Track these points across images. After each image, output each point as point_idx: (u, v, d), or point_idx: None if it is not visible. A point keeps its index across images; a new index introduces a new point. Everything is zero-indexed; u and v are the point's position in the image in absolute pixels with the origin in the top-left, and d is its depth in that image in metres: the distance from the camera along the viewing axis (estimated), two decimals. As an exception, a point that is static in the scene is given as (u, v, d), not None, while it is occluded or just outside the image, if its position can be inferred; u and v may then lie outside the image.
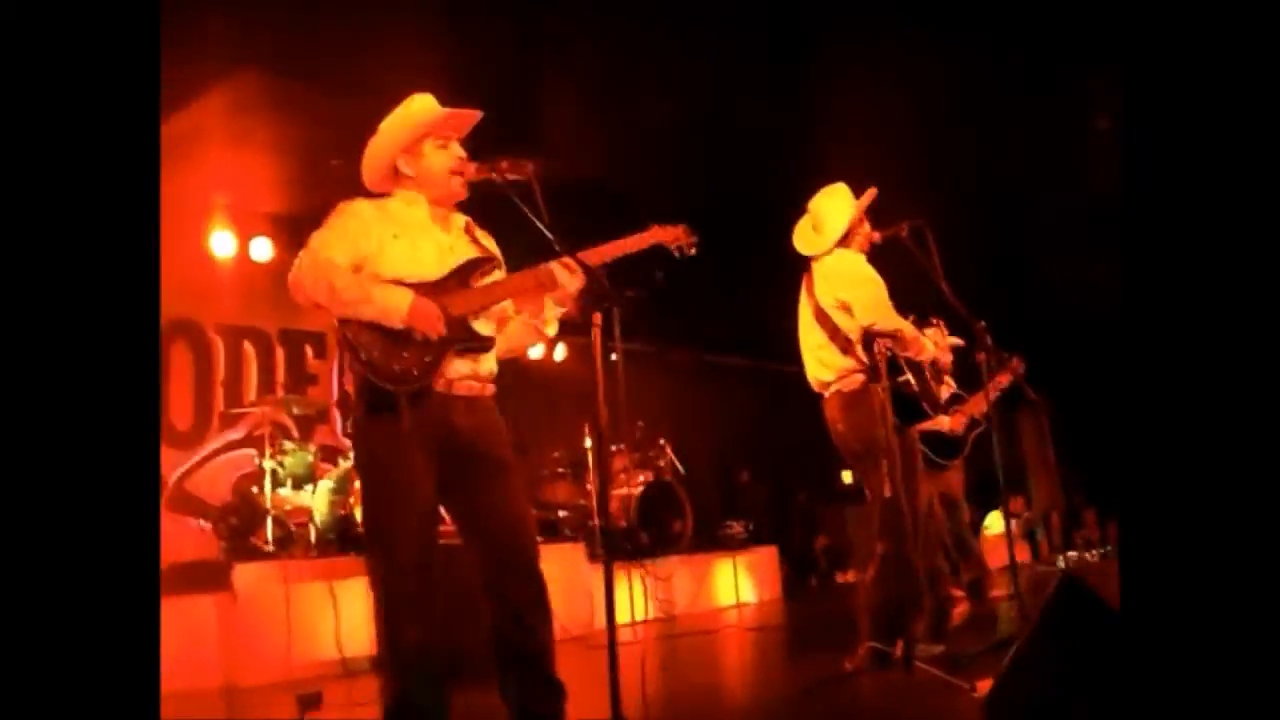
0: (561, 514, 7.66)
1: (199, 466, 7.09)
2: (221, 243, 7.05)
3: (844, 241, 4.25)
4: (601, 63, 5.42)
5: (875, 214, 4.34)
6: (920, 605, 3.91)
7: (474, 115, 3.02)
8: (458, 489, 2.90)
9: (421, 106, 3.00)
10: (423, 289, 2.81)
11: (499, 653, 2.87)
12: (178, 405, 7.10)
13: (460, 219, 3.07)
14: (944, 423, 5.73)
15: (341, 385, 8.08)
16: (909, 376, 3.94)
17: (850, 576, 9.62)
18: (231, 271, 7.15)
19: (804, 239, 4.35)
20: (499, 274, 3.00)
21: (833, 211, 4.27)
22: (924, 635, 4.03)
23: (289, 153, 6.33)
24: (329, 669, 5.02)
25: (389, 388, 2.73)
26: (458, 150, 2.99)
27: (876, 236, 4.29)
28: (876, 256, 4.34)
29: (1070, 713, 2.30)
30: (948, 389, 5.58)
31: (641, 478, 7.91)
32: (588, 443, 7.98)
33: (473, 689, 2.91)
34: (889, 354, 3.81)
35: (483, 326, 2.92)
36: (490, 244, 3.11)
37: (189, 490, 6.96)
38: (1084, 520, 11.83)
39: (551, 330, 3.09)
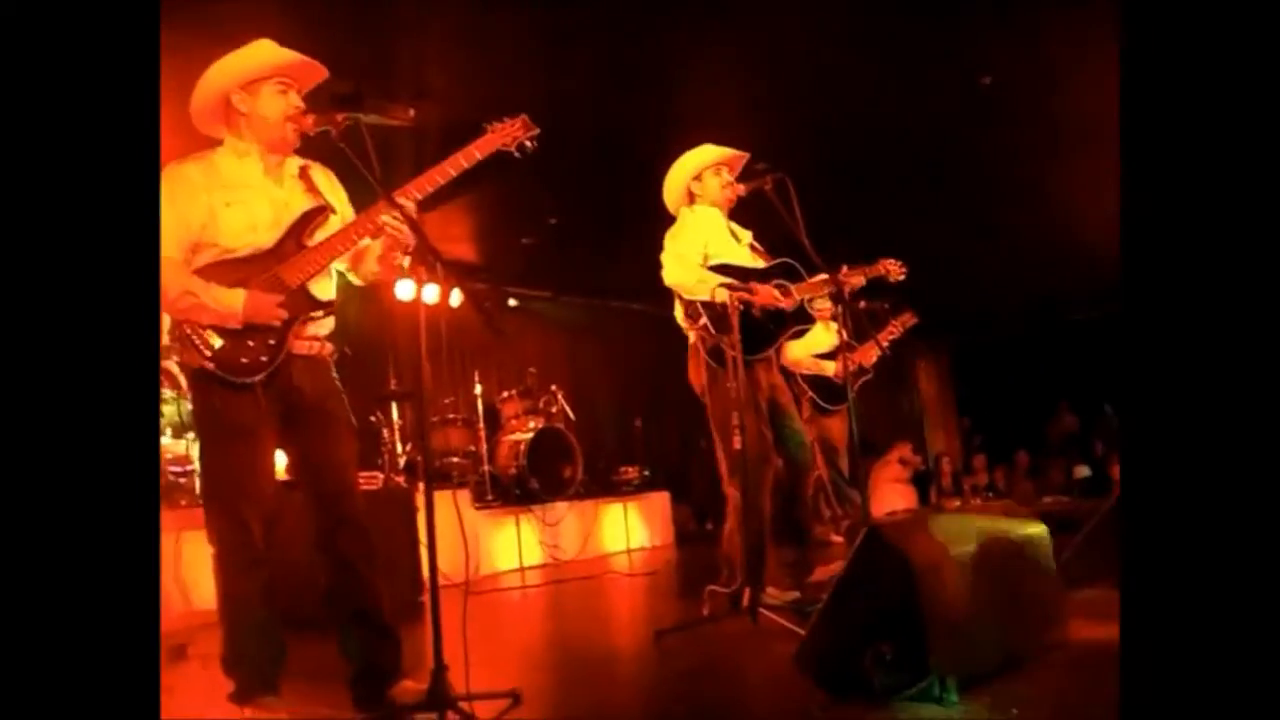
0: (453, 460, 7.63)
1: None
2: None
3: (692, 199, 4.34)
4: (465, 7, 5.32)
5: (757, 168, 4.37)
6: (763, 554, 3.99)
7: (319, 69, 2.97)
8: (294, 441, 2.93)
9: (267, 48, 2.93)
10: (257, 261, 2.79)
11: (334, 606, 2.89)
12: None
13: (294, 164, 3.01)
14: (827, 368, 5.84)
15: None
16: (705, 322, 3.99)
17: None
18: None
19: (666, 199, 4.45)
20: (334, 221, 2.96)
21: (670, 175, 4.44)
22: (778, 582, 4.13)
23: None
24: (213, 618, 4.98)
25: (238, 380, 2.73)
26: (296, 100, 2.93)
27: (741, 189, 4.33)
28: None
29: (872, 658, 2.39)
30: (835, 336, 5.70)
31: (532, 424, 7.93)
32: (478, 389, 7.97)
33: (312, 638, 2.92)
34: (738, 305, 3.86)
35: (322, 289, 2.91)
36: (327, 182, 3.05)
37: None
38: (974, 466, 12.18)
39: (405, 263, 2.99)
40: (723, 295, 3.93)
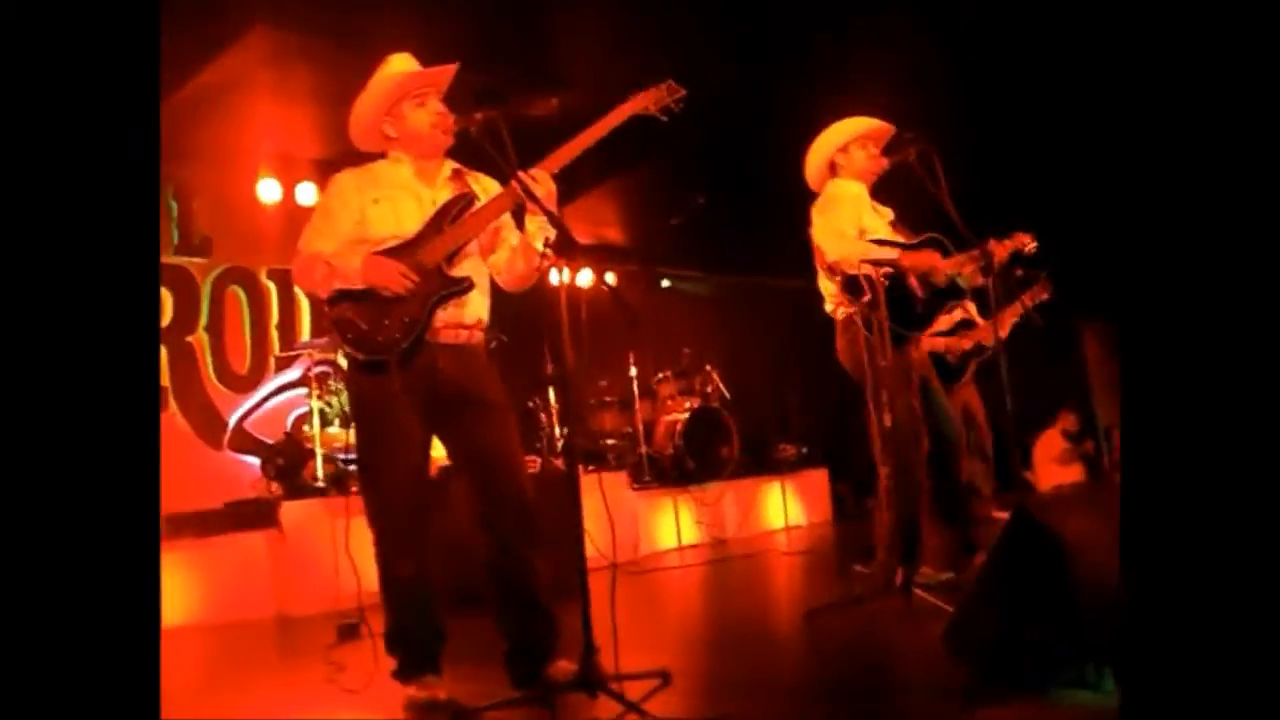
0: (608, 442, 7.77)
1: (257, 408, 7.36)
2: (268, 190, 7.20)
3: (835, 172, 4.24)
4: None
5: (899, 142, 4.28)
6: (918, 532, 3.92)
7: (448, 70, 3.06)
8: (449, 430, 3.03)
9: (395, 68, 3.05)
10: (401, 248, 2.89)
11: (492, 584, 2.99)
12: (234, 350, 7.35)
13: (448, 167, 3.10)
14: (939, 345, 5.65)
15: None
16: (870, 297, 3.88)
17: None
18: (279, 217, 7.29)
19: (807, 174, 4.37)
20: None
21: (815, 146, 4.33)
22: (935, 561, 4.05)
23: (324, 101, 6.42)
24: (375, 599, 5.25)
25: (379, 357, 2.84)
26: (436, 106, 3.03)
27: (885, 164, 4.24)
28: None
29: (1022, 642, 2.33)
30: (960, 313, 5.51)
31: (688, 404, 7.99)
32: (633, 371, 8.06)
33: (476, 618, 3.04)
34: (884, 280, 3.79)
35: (461, 269, 2.98)
36: (482, 185, 3.12)
37: (248, 431, 7.25)
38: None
39: (539, 245, 3.01)
40: (876, 267, 3.84)
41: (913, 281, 4.02)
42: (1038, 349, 6.55)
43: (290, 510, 5.37)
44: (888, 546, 3.88)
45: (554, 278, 8.05)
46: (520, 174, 2.80)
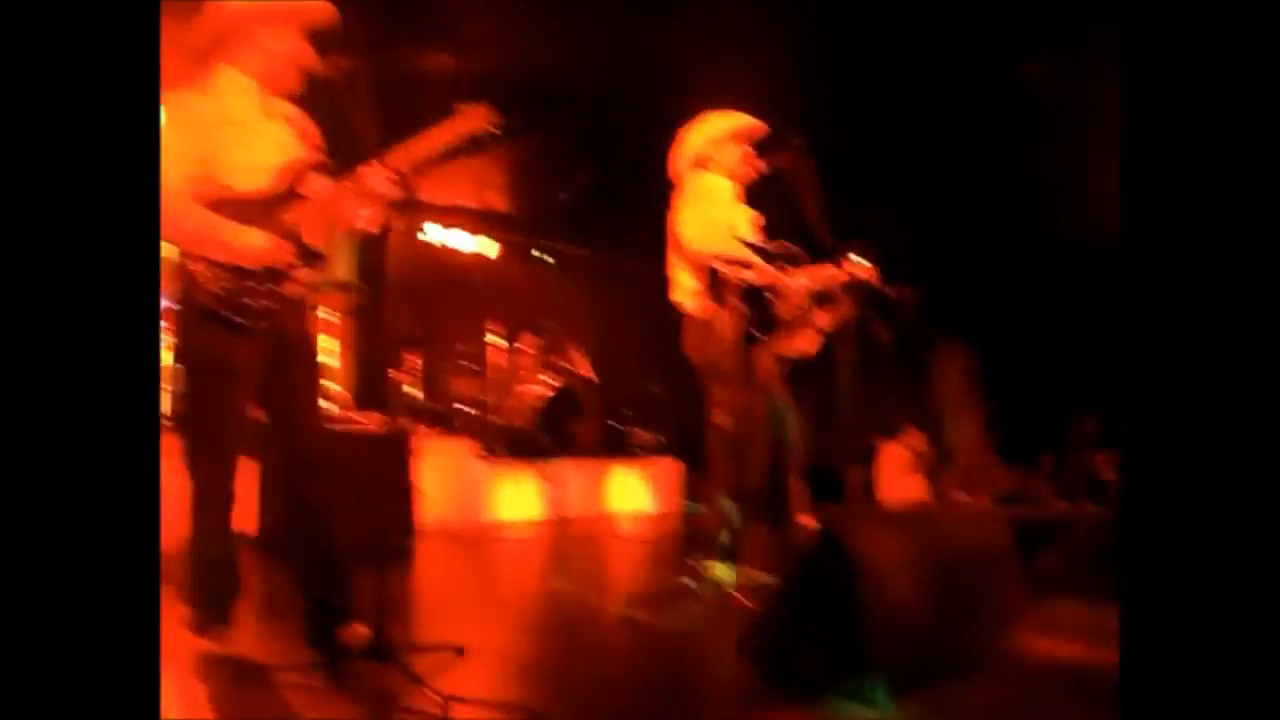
0: (456, 406, 7.66)
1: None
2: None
3: (705, 165, 4.21)
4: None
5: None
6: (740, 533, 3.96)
7: (330, 10, 2.91)
8: (268, 382, 2.92)
9: None
10: (262, 203, 2.78)
11: (290, 539, 2.94)
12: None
13: (286, 108, 2.98)
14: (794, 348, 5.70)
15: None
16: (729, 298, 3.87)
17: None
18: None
19: (671, 162, 4.32)
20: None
21: (690, 136, 4.27)
22: (758, 563, 4.09)
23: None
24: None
25: (239, 320, 2.74)
26: (299, 40, 2.90)
27: (763, 166, 4.25)
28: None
29: (804, 652, 2.37)
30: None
31: (547, 379, 7.94)
32: (488, 338, 7.97)
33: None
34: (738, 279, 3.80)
35: (313, 238, 2.89)
36: (313, 129, 3.03)
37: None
38: (991, 463, 11.94)
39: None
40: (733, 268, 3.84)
41: (766, 292, 4.04)
42: (890, 360, 6.70)
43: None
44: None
45: (432, 235, 7.91)
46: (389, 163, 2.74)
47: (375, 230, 2.94)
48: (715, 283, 3.87)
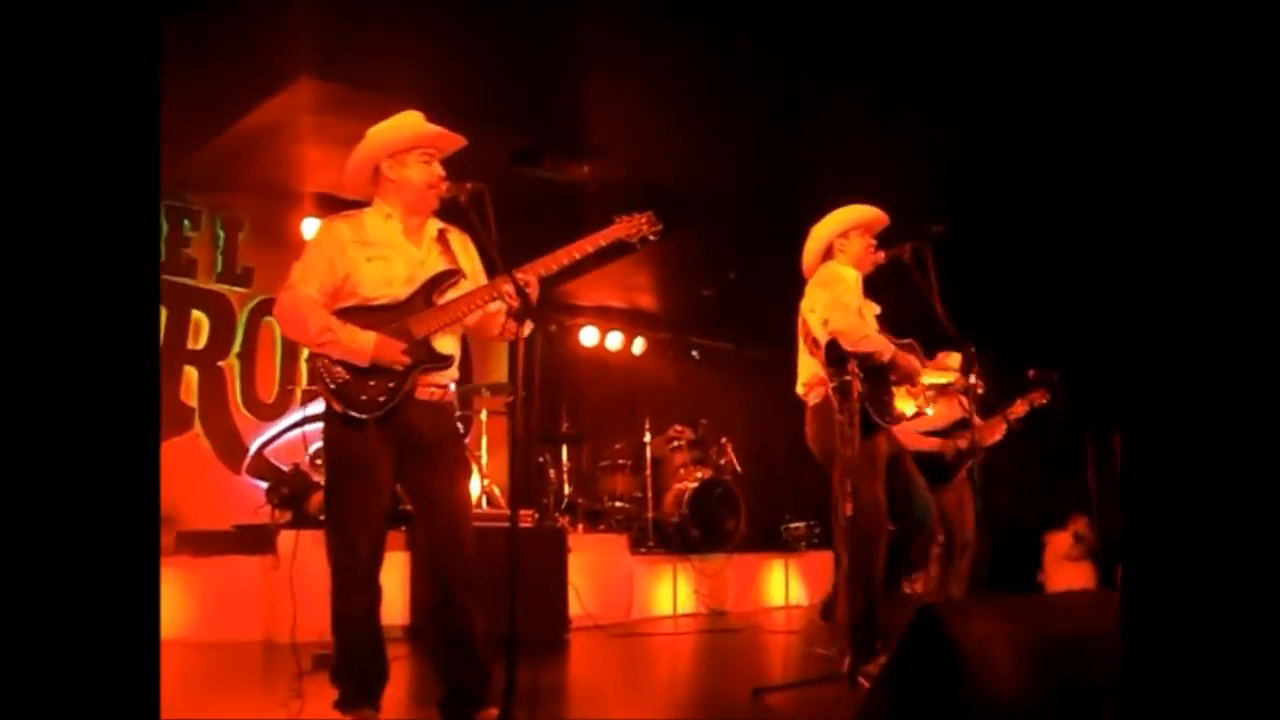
0: (615, 504, 7.86)
1: (278, 437, 7.60)
2: (311, 229, 7.48)
3: (832, 255, 4.35)
4: (643, 69, 5.58)
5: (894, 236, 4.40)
6: (874, 624, 3.96)
7: (459, 139, 3.26)
8: (411, 478, 3.19)
9: (413, 120, 3.26)
10: (389, 311, 3.09)
11: (432, 628, 3.14)
12: (263, 378, 7.64)
13: (434, 227, 3.29)
14: (932, 444, 5.68)
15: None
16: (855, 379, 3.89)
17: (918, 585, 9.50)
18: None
19: (804, 257, 4.47)
20: (464, 284, 3.23)
21: (817, 229, 4.41)
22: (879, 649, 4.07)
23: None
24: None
25: (356, 415, 3.01)
26: (438, 169, 3.23)
27: (881, 257, 4.35)
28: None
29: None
30: (960, 412, 5.53)
31: (699, 474, 8.07)
32: (647, 437, 8.17)
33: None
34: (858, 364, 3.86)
35: (444, 345, 3.17)
36: (463, 247, 3.32)
37: (267, 458, 7.49)
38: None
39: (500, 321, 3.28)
40: (882, 352, 3.94)
41: (892, 377, 4.11)
42: (1053, 452, 6.52)
43: (287, 539, 5.53)
44: (844, 635, 3.92)
45: (586, 339, 8.28)
46: (516, 275, 2.99)
47: (511, 336, 3.15)
48: (838, 369, 3.90)
